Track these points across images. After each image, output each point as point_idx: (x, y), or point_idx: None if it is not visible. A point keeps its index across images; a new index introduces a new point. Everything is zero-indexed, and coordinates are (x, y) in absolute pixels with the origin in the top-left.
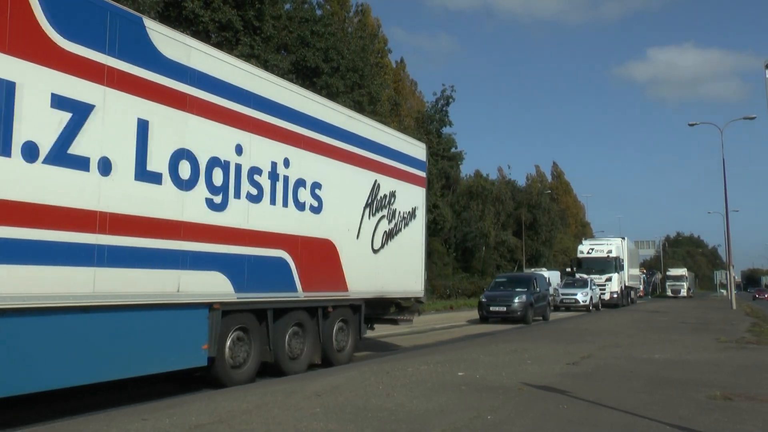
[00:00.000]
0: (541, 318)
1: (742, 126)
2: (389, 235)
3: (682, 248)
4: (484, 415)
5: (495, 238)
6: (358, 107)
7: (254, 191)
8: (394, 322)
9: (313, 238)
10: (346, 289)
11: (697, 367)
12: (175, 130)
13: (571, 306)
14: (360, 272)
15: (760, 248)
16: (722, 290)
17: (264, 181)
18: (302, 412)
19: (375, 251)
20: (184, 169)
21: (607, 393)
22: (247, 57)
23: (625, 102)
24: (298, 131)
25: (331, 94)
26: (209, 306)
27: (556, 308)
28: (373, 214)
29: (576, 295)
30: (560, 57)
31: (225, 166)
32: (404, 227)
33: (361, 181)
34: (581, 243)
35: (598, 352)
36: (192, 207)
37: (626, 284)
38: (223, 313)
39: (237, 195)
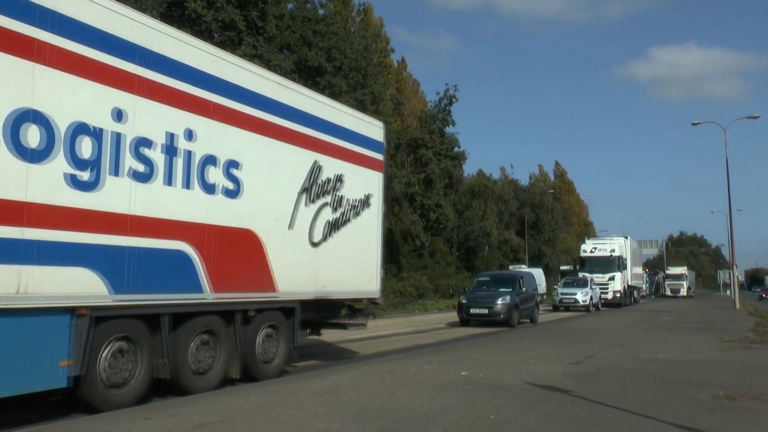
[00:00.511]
0: (528, 321)
1: (745, 125)
2: (334, 226)
3: (686, 248)
4: (488, 415)
5: (498, 237)
6: (361, 106)
7: (142, 168)
8: (343, 326)
9: (228, 228)
10: (273, 289)
11: (700, 367)
12: (16, 84)
13: (571, 306)
14: (293, 269)
15: (764, 247)
16: (728, 290)
17: (156, 156)
18: (305, 412)
19: (314, 244)
20: (33, 136)
21: (610, 393)
22: (251, 57)
23: (628, 101)
24: (208, 98)
25: (334, 94)
26: (72, 311)
27: (555, 308)
28: (312, 201)
29: (576, 294)
30: (562, 56)
31: (97, 135)
32: (354, 217)
33: (297, 161)
34: (584, 242)
35: (601, 352)
36: (44, 184)
37: (629, 283)
38: (96, 320)
39: (116, 171)
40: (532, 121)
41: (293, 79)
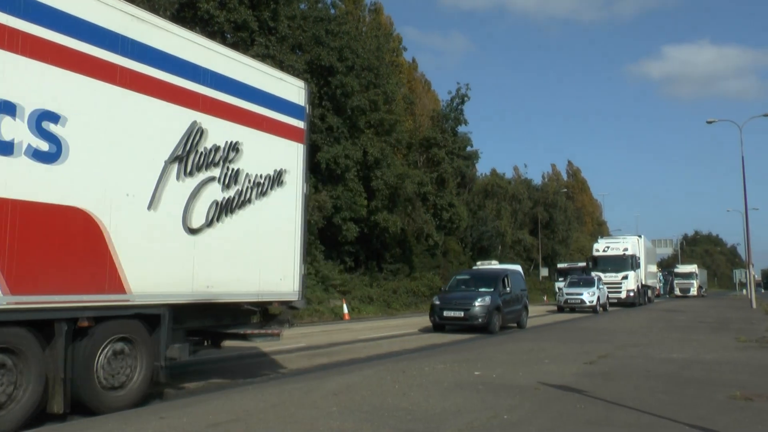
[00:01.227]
0: (515, 325)
1: (761, 123)
2: (226, 208)
3: (700, 247)
4: (501, 415)
5: (511, 237)
6: (374, 106)
7: None
8: (244, 337)
9: (39, 205)
10: (122, 289)
11: (716, 367)
12: None
13: (577, 307)
14: (157, 263)
15: None
16: (744, 289)
17: None
18: (319, 411)
19: (193, 231)
20: None
21: (624, 393)
22: (263, 57)
23: (641, 100)
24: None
25: (346, 93)
26: None
27: (560, 309)
28: (189, 174)
29: (581, 295)
30: (574, 55)
31: None
32: (259, 198)
33: (164, 120)
34: (597, 241)
35: (616, 352)
36: None
37: (643, 282)
38: None
39: None
40: (544, 120)
41: (305, 79)
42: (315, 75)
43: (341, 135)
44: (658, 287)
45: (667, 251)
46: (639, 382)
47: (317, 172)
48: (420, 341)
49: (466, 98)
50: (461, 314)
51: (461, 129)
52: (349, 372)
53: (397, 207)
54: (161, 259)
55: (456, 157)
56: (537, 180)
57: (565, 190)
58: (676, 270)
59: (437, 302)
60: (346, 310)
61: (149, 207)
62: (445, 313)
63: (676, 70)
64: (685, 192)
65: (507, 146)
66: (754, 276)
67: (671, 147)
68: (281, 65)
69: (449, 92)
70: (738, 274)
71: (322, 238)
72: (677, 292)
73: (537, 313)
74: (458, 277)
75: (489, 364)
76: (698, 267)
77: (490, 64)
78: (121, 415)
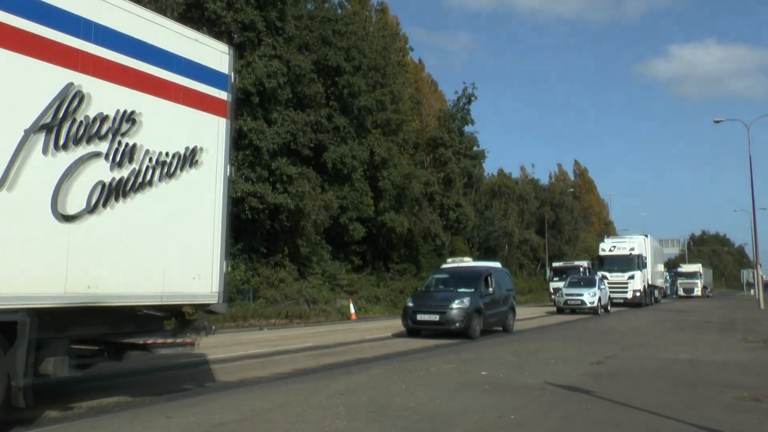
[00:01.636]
0: (501, 329)
1: None
2: (116, 192)
3: (708, 247)
4: (508, 415)
5: (518, 236)
6: (381, 106)
7: None
8: (145, 348)
9: None
10: None
11: (723, 368)
12: None
13: (577, 308)
14: (12, 257)
15: None
16: (752, 289)
17: None
18: (325, 411)
19: (68, 218)
20: None
21: (632, 393)
22: (270, 57)
23: (647, 100)
24: None
25: (353, 93)
26: None
27: (560, 311)
28: (63, 147)
29: (582, 295)
30: (581, 55)
31: None
32: (164, 180)
33: (21, 79)
34: (603, 240)
35: (623, 352)
36: None
37: (649, 282)
38: None
39: None
40: (551, 119)
41: (311, 79)
42: (322, 75)
43: (348, 135)
44: (664, 287)
45: (674, 251)
46: (646, 383)
47: (324, 171)
48: (426, 341)
49: (472, 98)
50: (436, 318)
51: (468, 129)
52: (356, 372)
53: (404, 207)
54: (18, 251)
55: (463, 156)
56: (544, 180)
57: (572, 189)
58: (679, 269)
59: (410, 304)
60: (352, 310)
61: (0, 186)
62: (419, 317)
63: (683, 70)
64: (693, 192)
65: (514, 146)
66: (761, 276)
67: (678, 147)
68: (288, 65)
69: (456, 92)
70: (745, 275)
71: (329, 238)
72: (681, 292)
73: (537, 314)
74: (436, 275)
75: (495, 365)
76: (703, 267)
77: (497, 64)
78: (127, 414)
